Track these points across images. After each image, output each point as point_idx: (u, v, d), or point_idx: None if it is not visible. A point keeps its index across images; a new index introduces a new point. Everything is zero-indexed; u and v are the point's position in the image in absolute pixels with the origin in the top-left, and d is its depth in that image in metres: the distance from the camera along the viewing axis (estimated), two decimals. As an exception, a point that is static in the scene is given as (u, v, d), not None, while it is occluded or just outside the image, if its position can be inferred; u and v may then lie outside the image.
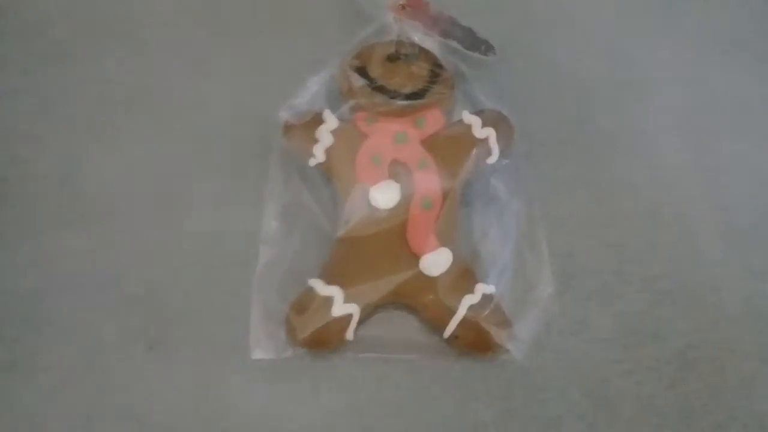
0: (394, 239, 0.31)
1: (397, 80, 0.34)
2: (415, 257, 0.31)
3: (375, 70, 0.35)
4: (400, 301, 0.32)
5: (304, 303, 0.31)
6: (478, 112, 0.35)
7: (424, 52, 0.35)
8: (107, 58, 0.39)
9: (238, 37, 0.41)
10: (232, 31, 0.41)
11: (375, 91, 0.34)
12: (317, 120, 0.34)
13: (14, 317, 0.32)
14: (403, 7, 0.36)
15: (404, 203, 0.32)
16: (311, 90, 0.35)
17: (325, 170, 0.33)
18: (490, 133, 0.34)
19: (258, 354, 0.31)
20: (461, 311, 0.31)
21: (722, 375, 0.32)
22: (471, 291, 0.31)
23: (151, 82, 0.39)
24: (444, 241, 0.32)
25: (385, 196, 0.32)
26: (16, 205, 0.35)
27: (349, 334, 0.31)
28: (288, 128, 0.34)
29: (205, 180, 0.36)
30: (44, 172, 0.36)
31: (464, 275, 0.32)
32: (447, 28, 0.36)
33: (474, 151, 0.33)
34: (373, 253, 0.31)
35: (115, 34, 0.40)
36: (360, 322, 0.31)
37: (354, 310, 0.30)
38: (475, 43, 0.37)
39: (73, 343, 0.31)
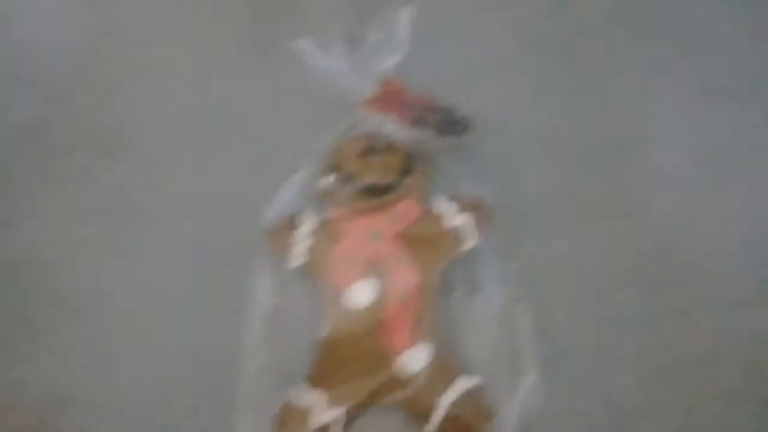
0: (372, 338, 0.32)
1: (371, 175, 0.35)
2: (394, 355, 0.32)
3: (350, 166, 0.36)
4: (383, 400, 0.32)
5: (286, 417, 0.32)
6: (455, 197, 0.35)
7: (396, 144, 0.36)
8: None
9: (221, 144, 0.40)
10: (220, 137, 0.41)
11: (350, 188, 0.35)
12: (296, 222, 0.35)
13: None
14: (376, 100, 0.37)
15: (380, 301, 0.32)
16: (290, 191, 0.36)
17: (308, 271, 0.35)
18: (466, 219, 0.34)
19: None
20: (441, 408, 0.31)
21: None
22: (452, 385, 0.31)
23: (156, 190, 0.39)
24: (422, 336, 0.32)
25: (360, 295, 0.33)
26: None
27: (337, 440, 0.32)
28: (269, 232, 0.35)
29: (191, 291, 0.35)
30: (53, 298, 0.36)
31: (444, 369, 0.32)
32: (420, 115, 0.37)
33: (449, 241, 0.34)
34: (353, 354, 0.32)
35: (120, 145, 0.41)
36: (348, 424, 0.32)
37: (338, 415, 0.31)
38: (451, 125, 0.37)
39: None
